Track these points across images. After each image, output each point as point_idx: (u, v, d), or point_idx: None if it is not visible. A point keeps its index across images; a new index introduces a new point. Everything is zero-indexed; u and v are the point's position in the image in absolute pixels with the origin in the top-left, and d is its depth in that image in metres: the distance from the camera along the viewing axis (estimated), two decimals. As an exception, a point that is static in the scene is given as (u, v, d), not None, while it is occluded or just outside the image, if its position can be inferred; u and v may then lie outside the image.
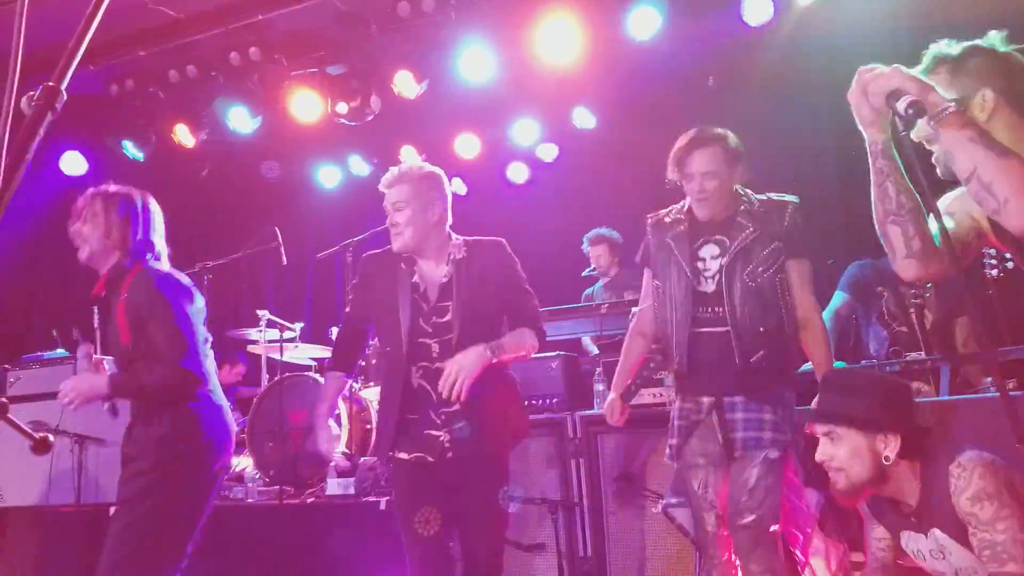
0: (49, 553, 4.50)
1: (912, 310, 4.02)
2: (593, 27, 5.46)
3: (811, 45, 5.35)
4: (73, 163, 6.96)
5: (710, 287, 2.84)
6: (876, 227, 1.78)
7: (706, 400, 2.84)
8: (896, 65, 1.61)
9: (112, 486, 4.51)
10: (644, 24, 5.26)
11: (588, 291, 5.84)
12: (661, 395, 3.91)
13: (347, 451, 4.74)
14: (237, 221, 7.29)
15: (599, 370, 4.11)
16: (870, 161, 1.73)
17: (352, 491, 4.24)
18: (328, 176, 7.72)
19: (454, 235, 2.88)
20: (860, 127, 1.70)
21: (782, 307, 2.80)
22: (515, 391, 2.92)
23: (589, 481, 3.91)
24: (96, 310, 5.74)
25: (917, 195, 1.66)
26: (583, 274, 5.82)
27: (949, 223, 1.80)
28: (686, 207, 2.98)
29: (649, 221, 3.08)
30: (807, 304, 2.84)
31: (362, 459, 4.43)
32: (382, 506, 3.97)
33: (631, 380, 3.15)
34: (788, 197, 2.91)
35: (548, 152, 7.06)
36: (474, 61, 5.78)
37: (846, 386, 2.43)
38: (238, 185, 7.57)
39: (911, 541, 2.38)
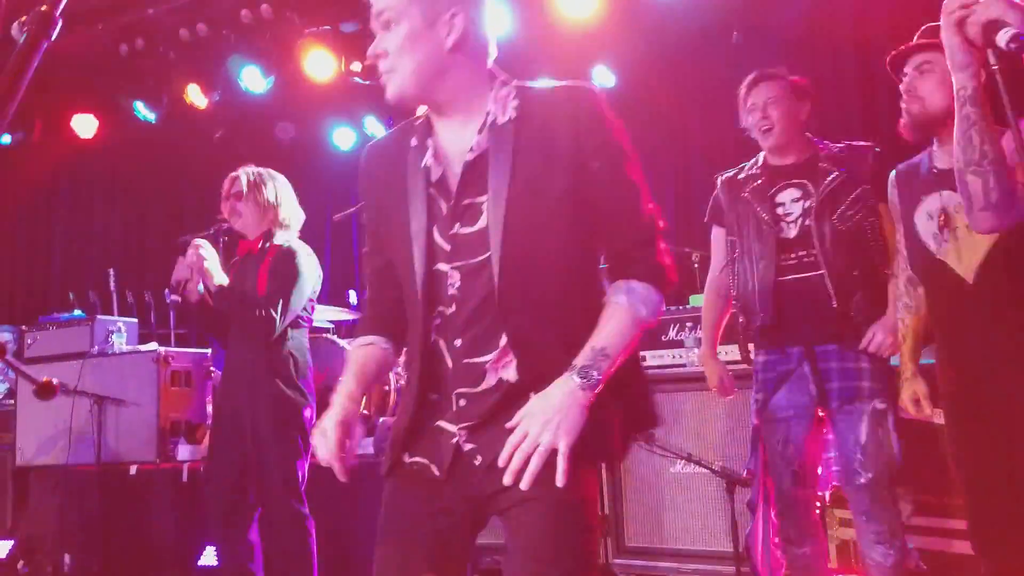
0: (70, 511, 4.55)
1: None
2: (613, -20, 5.32)
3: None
4: (85, 125, 6.91)
5: (792, 232, 2.73)
6: (955, 174, 1.71)
7: (795, 350, 2.71)
8: None
9: (130, 446, 4.59)
10: (665, -23, 5.12)
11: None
12: (681, 356, 3.90)
13: (367, 412, 4.75)
14: (252, 182, 7.24)
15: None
16: (956, 107, 1.65)
17: (371, 451, 4.24)
18: (343, 137, 7.63)
19: (501, 75, 1.65)
20: (951, 70, 1.59)
21: (875, 251, 2.70)
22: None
23: (609, 441, 3.88)
24: (112, 273, 5.77)
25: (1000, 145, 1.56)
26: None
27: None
28: (760, 160, 2.88)
29: (720, 179, 2.98)
30: (900, 253, 2.67)
31: (381, 419, 4.43)
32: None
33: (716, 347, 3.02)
34: (867, 143, 2.82)
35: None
36: (491, 17, 5.64)
37: None
38: (252, 147, 7.48)
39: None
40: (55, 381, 1.80)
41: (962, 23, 1.48)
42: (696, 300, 4.11)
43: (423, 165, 1.59)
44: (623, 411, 1.54)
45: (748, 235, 2.79)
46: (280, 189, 3.43)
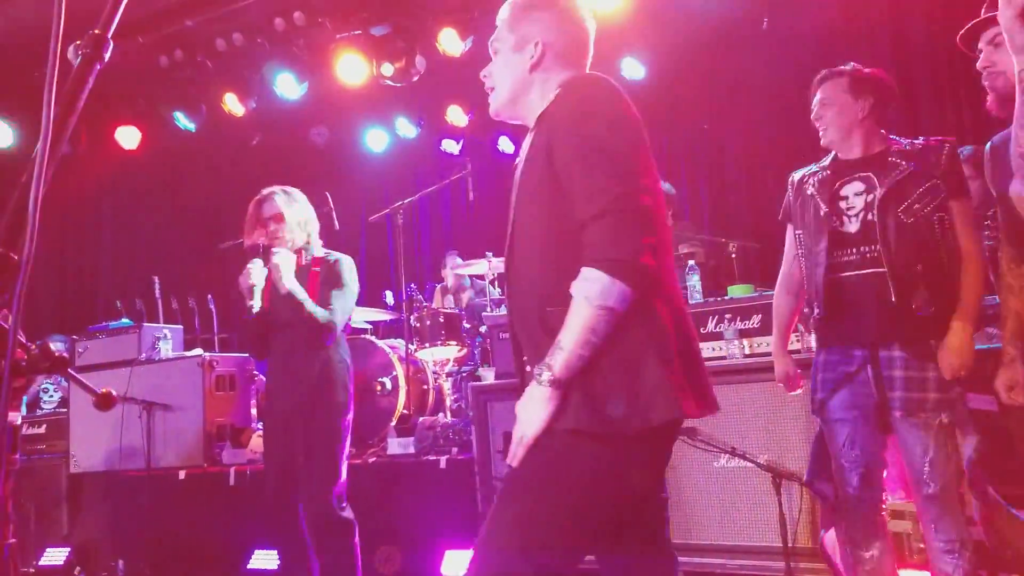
0: (122, 516, 4.67)
1: (987, 251, 3.87)
2: (640, -28, 5.29)
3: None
4: (128, 137, 7.07)
5: (853, 226, 2.68)
6: (1013, 159, 1.69)
7: (858, 352, 2.65)
8: None
9: (178, 451, 4.69)
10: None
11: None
12: (721, 349, 3.85)
13: (406, 411, 4.79)
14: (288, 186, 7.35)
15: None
16: (1017, 89, 1.61)
17: (412, 450, 4.29)
18: (376, 139, 7.72)
19: (559, 76, 1.83)
20: (1011, 51, 1.58)
21: (942, 248, 2.60)
22: None
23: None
24: (156, 280, 5.90)
25: None
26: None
27: None
28: (830, 156, 2.85)
29: (791, 178, 2.94)
30: (970, 244, 2.61)
31: (420, 419, 4.47)
32: (442, 464, 4.01)
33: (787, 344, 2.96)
34: (943, 138, 2.73)
35: (598, 106, 6.90)
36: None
37: None
38: (288, 152, 7.62)
39: None
40: (114, 392, 1.85)
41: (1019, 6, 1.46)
42: (734, 291, 4.05)
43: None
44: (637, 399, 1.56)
45: (809, 229, 2.77)
46: (306, 202, 3.55)
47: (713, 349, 3.84)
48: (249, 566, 4.29)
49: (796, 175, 2.93)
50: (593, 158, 1.58)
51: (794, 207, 2.88)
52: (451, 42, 5.82)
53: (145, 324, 5.08)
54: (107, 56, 1.13)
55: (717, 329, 3.86)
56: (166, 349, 4.94)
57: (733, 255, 4.57)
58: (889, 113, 2.78)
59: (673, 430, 1.70)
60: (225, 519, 4.43)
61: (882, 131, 2.78)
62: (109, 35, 1.13)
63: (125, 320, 5.28)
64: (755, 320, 3.43)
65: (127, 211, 8.14)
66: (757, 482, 3.50)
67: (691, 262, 4.26)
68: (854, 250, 2.65)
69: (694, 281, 4.21)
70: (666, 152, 6.50)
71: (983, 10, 2.28)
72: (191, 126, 6.74)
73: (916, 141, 2.73)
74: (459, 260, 5.88)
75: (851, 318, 2.63)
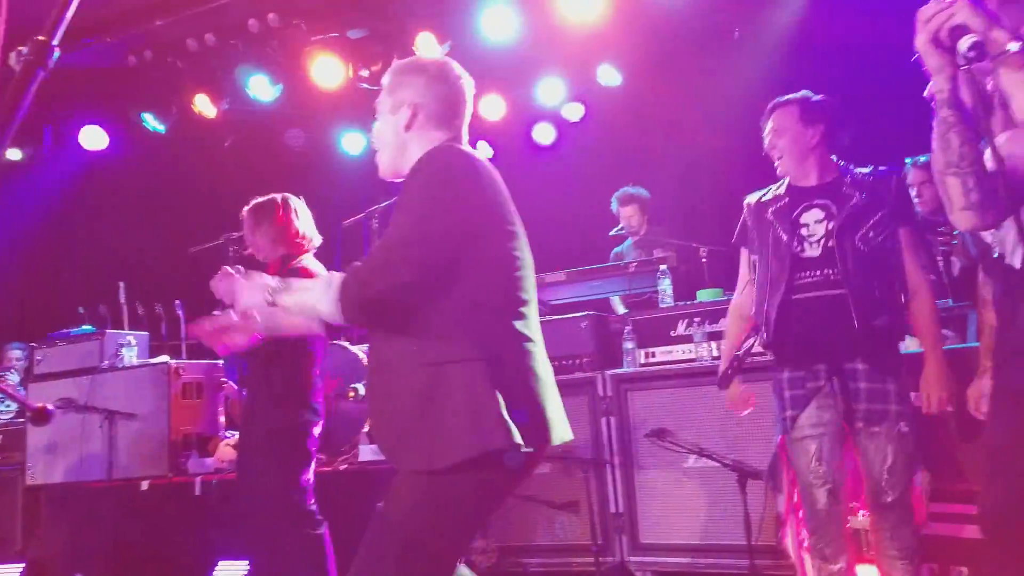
0: (82, 529, 4.53)
1: (940, 258, 3.95)
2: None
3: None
4: (94, 137, 6.95)
5: (815, 251, 2.78)
6: (935, 176, 1.75)
7: (822, 367, 2.74)
8: None
9: (141, 461, 4.57)
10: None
11: (617, 249, 5.75)
12: (690, 351, 3.92)
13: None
14: (262, 191, 7.21)
15: (628, 328, 4.07)
16: (935, 109, 1.68)
17: (382, 457, 4.21)
18: (352, 143, 7.65)
19: (433, 134, 2.03)
20: (929, 74, 1.65)
21: (894, 275, 2.76)
22: None
23: (620, 438, 3.92)
24: (122, 285, 5.78)
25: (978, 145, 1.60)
26: (611, 233, 5.72)
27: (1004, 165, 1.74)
28: (784, 183, 2.95)
29: (746, 202, 3.03)
30: (917, 276, 2.78)
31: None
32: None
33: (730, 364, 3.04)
34: (892, 169, 2.89)
35: (574, 112, 6.93)
36: (497, 20, 5.67)
37: None
38: (262, 155, 7.52)
39: None
40: (49, 407, 1.79)
41: (933, 30, 1.57)
42: (704, 295, 4.10)
43: None
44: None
45: (767, 254, 2.84)
46: (301, 210, 3.56)
47: (683, 352, 3.95)
48: (214, 578, 4.20)
49: (751, 198, 3.01)
50: (399, 230, 1.83)
51: (751, 232, 2.96)
52: (429, 46, 5.78)
53: (109, 331, 4.96)
54: (51, 63, 1.09)
55: (687, 332, 3.98)
56: (130, 356, 4.82)
57: (704, 259, 4.62)
58: (841, 138, 2.89)
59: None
60: (190, 530, 4.32)
61: (832, 156, 2.90)
62: (55, 42, 1.10)
63: (87, 327, 5.15)
64: (724, 323, 3.49)
65: (92, 214, 7.97)
66: (724, 482, 3.54)
67: (663, 267, 4.27)
68: (817, 272, 2.76)
69: (665, 285, 4.24)
70: (641, 157, 6.50)
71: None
72: (161, 128, 6.62)
73: (866, 171, 2.87)
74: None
75: (816, 336, 2.73)
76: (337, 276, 1.81)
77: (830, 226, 2.76)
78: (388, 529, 1.80)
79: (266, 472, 3.23)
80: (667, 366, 3.92)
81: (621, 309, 5.25)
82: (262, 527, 3.29)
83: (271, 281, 1.86)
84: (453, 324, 1.78)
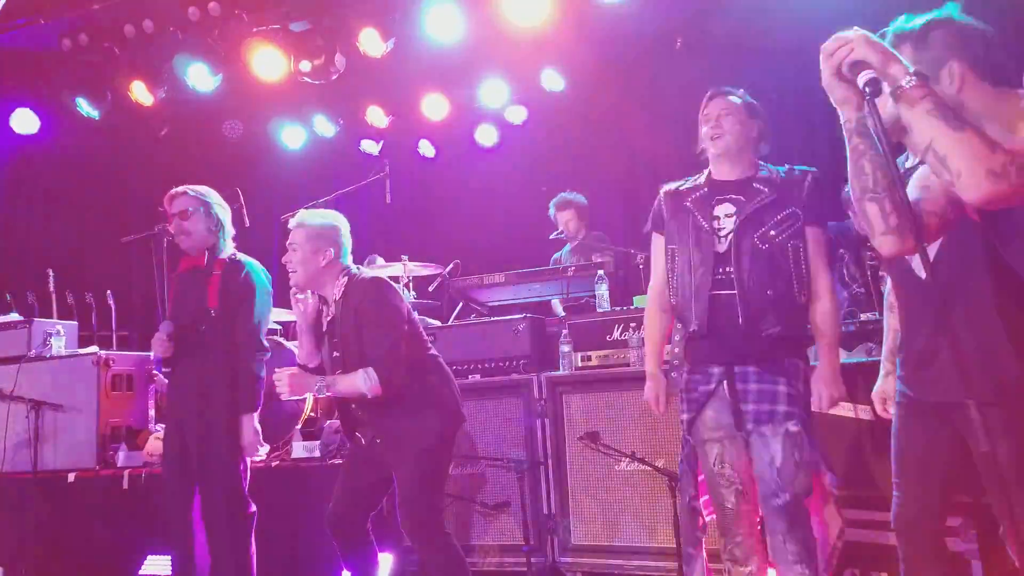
0: (5, 521, 4.41)
1: (869, 272, 4.08)
2: (562, -13, 5.38)
3: (777, 5, 5.32)
4: (24, 121, 6.73)
5: (723, 247, 2.75)
6: (853, 203, 1.78)
7: (716, 369, 2.72)
8: (860, 32, 1.60)
9: (68, 453, 4.46)
10: (613, -16, 5.19)
11: (557, 255, 5.83)
12: (625, 356, 3.96)
13: (313, 415, 4.71)
14: (197, 182, 7.08)
15: (565, 331, 4.11)
16: (846, 139, 1.71)
17: (318, 454, 4.21)
18: (292, 136, 7.56)
19: (338, 263, 3.23)
20: (836, 106, 1.69)
21: (794, 274, 2.71)
22: None
23: (554, 440, 3.95)
24: (51, 273, 5.63)
25: (894, 170, 1.64)
26: (551, 237, 5.80)
27: (924, 193, 1.82)
28: (704, 174, 2.91)
29: (663, 190, 2.98)
30: (820, 276, 2.75)
31: (328, 422, 4.40)
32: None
33: (663, 361, 3.03)
34: (808, 168, 2.86)
35: (517, 114, 6.98)
36: (442, 20, 5.68)
37: None
38: (199, 145, 7.38)
39: None
40: None
41: (835, 66, 1.62)
42: (640, 301, 4.16)
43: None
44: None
45: (688, 244, 2.81)
46: (223, 206, 3.70)
47: (618, 356, 4.00)
48: (141, 572, 4.13)
49: (669, 187, 2.97)
50: (380, 333, 3.04)
51: (667, 220, 2.91)
52: (372, 43, 5.76)
53: (36, 319, 4.83)
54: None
55: (622, 337, 4.01)
56: (59, 346, 4.71)
57: (640, 265, 4.68)
58: (766, 142, 2.89)
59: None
60: (117, 524, 4.26)
61: (755, 157, 2.88)
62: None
63: (14, 314, 5.00)
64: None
65: (21, 200, 7.70)
66: (656, 485, 3.61)
67: (600, 272, 4.35)
68: (721, 270, 2.73)
69: (603, 290, 4.30)
70: (582, 163, 6.60)
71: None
72: (95, 113, 6.42)
73: (781, 170, 2.84)
74: (381, 261, 5.79)
75: (712, 337, 2.72)
76: (372, 371, 2.99)
77: (736, 222, 2.74)
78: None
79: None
80: (602, 370, 3.97)
81: (562, 312, 5.31)
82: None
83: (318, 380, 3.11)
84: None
